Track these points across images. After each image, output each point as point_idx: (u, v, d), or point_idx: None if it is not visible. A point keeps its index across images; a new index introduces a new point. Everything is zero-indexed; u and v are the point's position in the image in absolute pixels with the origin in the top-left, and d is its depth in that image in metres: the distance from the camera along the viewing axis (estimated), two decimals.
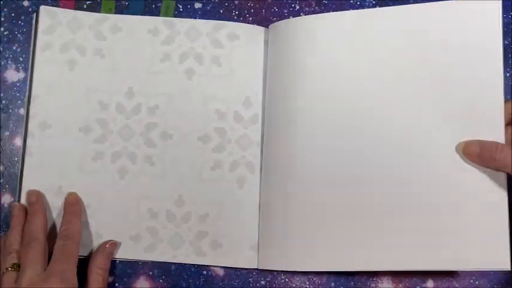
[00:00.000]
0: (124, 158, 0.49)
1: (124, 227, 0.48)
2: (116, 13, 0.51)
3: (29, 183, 0.48)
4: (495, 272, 0.50)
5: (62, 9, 0.50)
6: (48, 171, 0.48)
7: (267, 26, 0.51)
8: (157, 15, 0.51)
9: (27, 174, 0.48)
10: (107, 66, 0.49)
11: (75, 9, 0.51)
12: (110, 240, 0.48)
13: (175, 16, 0.51)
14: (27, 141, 0.48)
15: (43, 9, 0.50)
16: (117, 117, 0.49)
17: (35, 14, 0.50)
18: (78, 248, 0.45)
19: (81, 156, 0.49)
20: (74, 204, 0.47)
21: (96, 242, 0.48)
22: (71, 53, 0.49)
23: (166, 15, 0.51)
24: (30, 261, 0.43)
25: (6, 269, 0.44)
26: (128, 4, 0.51)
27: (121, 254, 0.48)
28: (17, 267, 0.44)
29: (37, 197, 0.47)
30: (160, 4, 0.51)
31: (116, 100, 0.49)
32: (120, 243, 0.48)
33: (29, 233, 0.45)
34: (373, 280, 0.50)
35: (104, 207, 0.48)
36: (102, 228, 0.48)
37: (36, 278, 0.42)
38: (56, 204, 0.48)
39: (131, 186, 0.49)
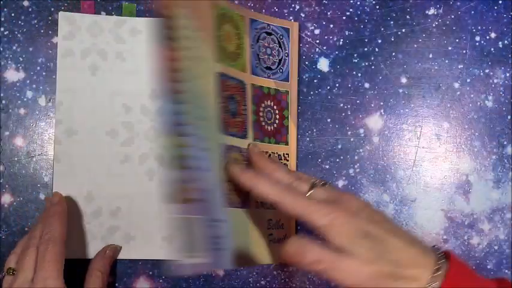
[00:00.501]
0: (151, 159, 0.49)
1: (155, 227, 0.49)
2: (137, 16, 0.51)
3: (59, 189, 0.48)
4: (495, 272, 0.50)
5: (81, 14, 0.50)
6: (77, 176, 0.49)
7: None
8: None
9: (57, 181, 0.49)
10: (128, 69, 0.50)
11: (95, 11, 0.51)
12: (112, 245, 0.48)
13: None
14: (55, 148, 0.49)
15: (62, 15, 0.50)
16: (142, 119, 0.49)
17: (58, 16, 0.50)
18: (63, 250, 0.44)
19: (109, 159, 0.49)
20: (56, 204, 0.47)
21: (127, 245, 0.48)
22: (92, 57, 0.50)
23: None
24: (23, 266, 0.43)
25: (3, 274, 0.44)
26: (149, 7, 0.51)
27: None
28: (12, 271, 0.44)
29: (59, 199, 0.47)
30: None
31: (140, 102, 0.49)
32: (120, 247, 0.48)
33: (42, 235, 0.45)
34: None
35: (134, 210, 0.49)
36: (132, 230, 0.49)
37: (24, 284, 0.42)
38: (86, 209, 0.49)
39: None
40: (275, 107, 0.49)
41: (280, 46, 0.50)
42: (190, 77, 0.39)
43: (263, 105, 0.49)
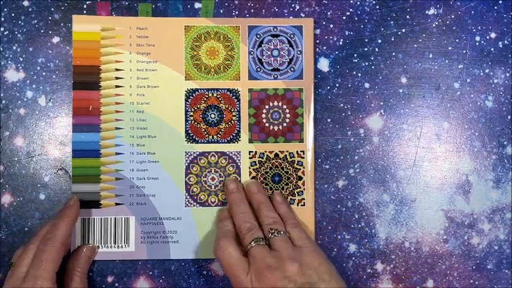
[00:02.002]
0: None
1: None
2: (152, 16, 0.51)
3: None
4: (495, 272, 0.50)
5: (95, 16, 0.50)
6: None
7: (252, 17, 0.51)
8: (196, 16, 0.51)
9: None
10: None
11: (111, 11, 0.51)
12: (88, 244, 0.48)
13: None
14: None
15: (75, 18, 0.50)
16: None
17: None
18: (61, 251, 0.44)
19: None
20: (68, 207, 0.47)
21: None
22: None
23: (206, 14, 0.51)
24: (20, 262, 0.44)
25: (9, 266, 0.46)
26: (165, 6, 0.51)
27: None
28: (12, 265, 0.45)
29: (74, 203, 0.47)
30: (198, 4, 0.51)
31: None
32: (98, 247, 0.49)
33: (45, 233, 0.45)
34: (373, 280, 0.50)
35: None
36: None
37: (17, 280, 0.43)
38: None
39: None
40: (284, 107, 0.50)
41: (291, 45, 0.51)
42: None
43: (267, 106, 0.51)
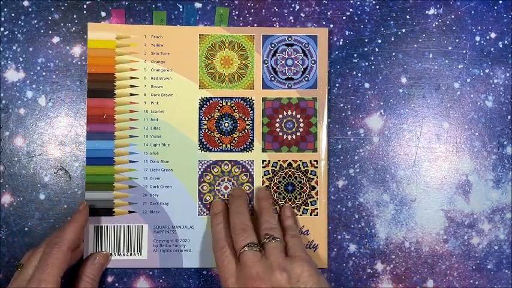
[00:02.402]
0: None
1: None
2: (167, 24, 0.51)
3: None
4: (495, 272, 0.50)
5: (110, 24, 0.51)
6: None
7: (267, 26, 0.51)
8: (212, 24, 0.51)
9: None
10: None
11: (126, 19, 0.51)
12: (101, 252, 0.48)
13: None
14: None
15: (91, 26, 0.50)
16: None
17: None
18: (67, 256, 0.44)
19: None
20: (77, 212, 0.47)
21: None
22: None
23: (221, 23, 0.51)
24: (28, 264, 0.44)
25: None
26: (180, 15, 0.51)
27: None
28: (20, 267, 0.45)
29: (83, 208, 0.47)
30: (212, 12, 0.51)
31: None
32: (111, 255, 0.49)
33: (53, 237, 0.45)
34: (373, 280, 0.50)
35: None
36: None
37: (22, 282, 0.43)
38: None
39: None
40: (298, 116, 0.51)
41: (305, 55, 0.51)
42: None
43: (280, 116, 0.51)
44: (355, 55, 0.52)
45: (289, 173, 0.50)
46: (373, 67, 0.51)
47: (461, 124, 0.51)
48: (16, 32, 0.50)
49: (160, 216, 0.49)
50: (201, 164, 0.50)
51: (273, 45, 0.51)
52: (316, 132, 0.51)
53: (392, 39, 0.52)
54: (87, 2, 0.51)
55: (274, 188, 0.50)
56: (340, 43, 0.52)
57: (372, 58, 0.52)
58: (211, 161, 0.50)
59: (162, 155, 0.50)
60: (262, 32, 0.51)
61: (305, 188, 0.50)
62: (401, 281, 0.50)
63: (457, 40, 0.52)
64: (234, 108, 0.51)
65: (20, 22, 0.51)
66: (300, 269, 0.42)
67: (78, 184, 0.50)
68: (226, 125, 0.50)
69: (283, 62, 0.51)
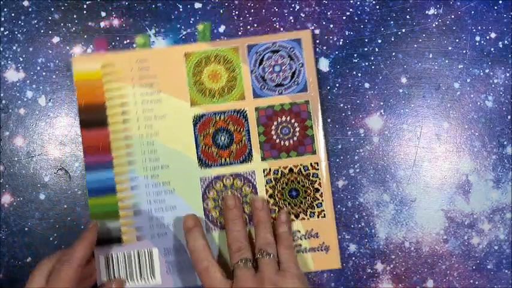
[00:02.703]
0: None
1: None
2: (151, 45, 0.51)
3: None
4: (495, 272, 0.50)
5: (94, 54, 0.50)
6: None
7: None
8: (195, 40, 0.51)
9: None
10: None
11: (107, 44, 0.51)
12: (117, 278, 0.48)
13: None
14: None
15: (75, 59, 0.50)
16: None
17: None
18: (77, 274, 0.43)
19: None
20: (87, 230, 0.47)
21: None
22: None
23: (204, 39, 0.51)
24: (31, 278, 0.43)
25: None
26: (163, 34, 0.51)
27: None
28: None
29: (92, 226, 0.47)
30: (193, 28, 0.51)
31: None
32: (125, 281, 0.48)
33: (62, 254, 0.45)
34: (373, 280, 0.50)
35: None
36: None
37: None
38: None
39: None
40: (293, 121, 0.51)
41: (291, 59, 0.51)
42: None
43: (275, 123, 0.51)
44: (355, 55, 0.52)
45: (292, 178, 0.50)
46: (373, 67, 0.51)
47: (461, 124, 0.51)
48: (16, 32, 0.50)
49: (168, 238, 0.49)
50: (202, 181, 0.50)
51: (258, 54, 0.51)
52: (313, 135, 0.50)
53: (392, 39, 0.52)
54: (87, 2, 0.51)
55: (278, 195, 0.50)
56: (340, 43, 0.52)
57: (372, 58, 0.52)
58: (212, 177, 0.50)
59: (163, 176, 0.50)
60: (246, 42, 0.51)
61: (309, 191, 0.50)
62: (401, 281, 0.50)
63: (457, 40, 0.52)
64: (228, 121, 0.50)
65: (20, 22, 0.51)
66: (291, 285, 0.43)
67: (78, 184, 0.50)
68: (223, 138, 0.50)
69: (270, 69, 0.51)
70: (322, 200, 0.50)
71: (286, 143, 0.51)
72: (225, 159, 0.50)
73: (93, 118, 0.50)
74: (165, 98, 0.50)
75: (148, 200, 0.49)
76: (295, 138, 0.51)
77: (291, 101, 0.51)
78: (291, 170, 0.50)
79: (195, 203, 0.50)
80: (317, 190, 0.50)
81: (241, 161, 0.50)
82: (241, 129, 0.51)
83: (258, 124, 0.51)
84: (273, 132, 0.51)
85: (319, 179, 0.50)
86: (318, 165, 0.50)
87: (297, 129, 0.51)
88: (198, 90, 0.50)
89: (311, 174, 0.50)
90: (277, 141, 0.51)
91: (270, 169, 0.50)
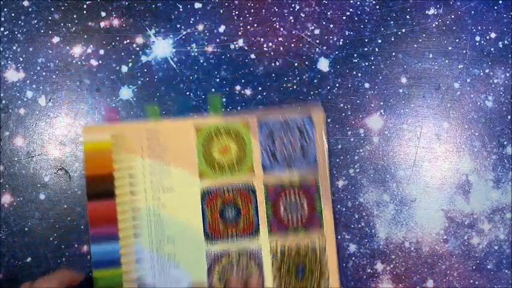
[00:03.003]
0: None
1: None
2: (162, 116, 0.51)
3: None
4: (495, 272, 0.50)
5: (105, 125, 0.50)
6: None
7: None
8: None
9: None
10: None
11: (118, 116, 0.50)
12: None
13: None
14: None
15: (85, 129, 0.49)
16: None
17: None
18: None
19: None
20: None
21: None
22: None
23: (215, 111, 0.51)
24: None
25: None
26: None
27: None
28: None
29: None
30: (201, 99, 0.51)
31: None
32: None
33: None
34: (373, 280, 0.50)
35: None
36: None
37: None
38: None
39: None
40: (301, 196, 0.50)
41: (301, 134, 0.51)
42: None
43: (283, 199, 0.50)
44: (355, 55, 0.52)
45: (299, 253, 0.50)
46: (373, 67, 0.52)
47: (461, 124, 0.51)
48: (16, 32, 0.51)
49: None
50: (207, 255, 0.49)
51: (268, 130, 0.51)
52: (321, 210, 0.50)
53: (392, 39, 0.52)
54: (87, 2, 0.51)
55: (285, 272, 0.50)
56: (340, 43, 0.52)
57: (372, 58, 0.52)
58: (218, 252, 0.49)
59: (168, 249, 0.49)
60: (257, 117, 0.51)
61: (314, 268, 0.50)
62: (401, 281, 0.50)
63: (457, 40, 0.52)
64: (236, 195, 0.50)
65: (20, 22, 0.51)
66: None
67: (78, 184, 0.50)
68: (230, 212, 0.50)
69: (281, 145, 0.51)
70: (329, 276, 0.50)
71: (294, 218, 0.50)
72: (232, 234, 0.50)
73: (100, 190, 0.49)
74: (174, 170, 0.50)
75: (153, 274, 0.49)
76: (303, 214, 0.50)
77: (300, 176, 0.50)
78: (297, 245, 0.50)
79: (200, 277, 0.49)
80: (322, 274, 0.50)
81: (248, 234, 0.50)
82: (249, 204, 0.50)
83: (267, 200, 0.50)
84: (281, 208, 0.50)
85: (327, 256, 0.50)
86: (325, 243, 0.50)
87: (305, 205, 0.50)
88: (207, 163, 0.50)
89: (318, 249, 0.50)
90: (285, 217, 0.50)
91: (276, 245, 0.50)
